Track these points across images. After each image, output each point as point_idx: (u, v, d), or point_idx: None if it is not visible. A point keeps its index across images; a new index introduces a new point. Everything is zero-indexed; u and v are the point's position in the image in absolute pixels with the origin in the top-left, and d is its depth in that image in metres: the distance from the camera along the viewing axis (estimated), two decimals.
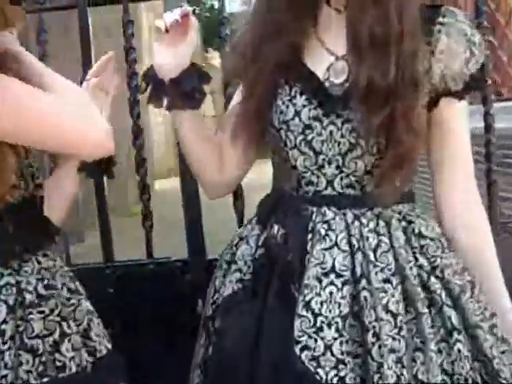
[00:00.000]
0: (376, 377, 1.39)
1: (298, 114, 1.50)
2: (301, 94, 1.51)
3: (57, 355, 1.40)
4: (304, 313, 1.43)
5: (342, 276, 1.44)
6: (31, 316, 1.40)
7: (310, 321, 1.42)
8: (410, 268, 1.47)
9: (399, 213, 1.52)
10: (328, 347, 1.40)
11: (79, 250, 4.88)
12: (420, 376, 1.42)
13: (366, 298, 1.42)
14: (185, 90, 1.55)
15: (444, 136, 1.54)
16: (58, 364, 1.40)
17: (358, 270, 1.44)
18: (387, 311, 1.42)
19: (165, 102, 1.56)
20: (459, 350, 1.44)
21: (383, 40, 1.42)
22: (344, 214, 1.48)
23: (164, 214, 4.85)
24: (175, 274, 2.26)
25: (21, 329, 1.39)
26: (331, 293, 1.43)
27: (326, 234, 1.47)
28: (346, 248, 1.46)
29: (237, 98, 1.63)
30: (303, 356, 1.40)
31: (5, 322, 1.38)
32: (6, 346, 1.37)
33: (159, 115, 11.56)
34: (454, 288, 1.48)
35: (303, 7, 1.50)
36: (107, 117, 1.67)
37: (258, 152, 1.64)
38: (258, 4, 1.59)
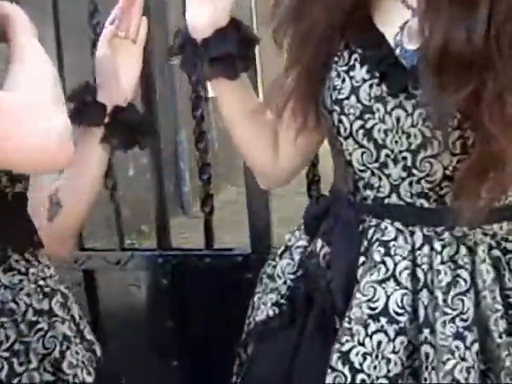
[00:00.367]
0: None
1: (355, 91, 1.15)
2: (361, 64, 1.15)
3: None
4: (339, 367, 1.13)
5: (397, 322, 1.13)
6: None
7: (345, 377, 1.13)
8: (496, 321, 1.12)
9: (492, 236, 1.15)
10: None
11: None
12: None
13: (427, 356, 1.12)
14: (214, 55, 1.23)
15: None
16: None
17: (421, 315, 1.13)
18: (452, 379, 1.09)
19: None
20: None
21: None
22: (411, 234, 1.15)
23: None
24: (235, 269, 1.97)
25: None
26: (379, 343, 1.13)
27: (382, 261, 1.14)
28: (407, 283, 1.14)
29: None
30: None
31: None
32: None
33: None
34: None
35: None
36: (138, 73, 1.36)
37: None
38: None
